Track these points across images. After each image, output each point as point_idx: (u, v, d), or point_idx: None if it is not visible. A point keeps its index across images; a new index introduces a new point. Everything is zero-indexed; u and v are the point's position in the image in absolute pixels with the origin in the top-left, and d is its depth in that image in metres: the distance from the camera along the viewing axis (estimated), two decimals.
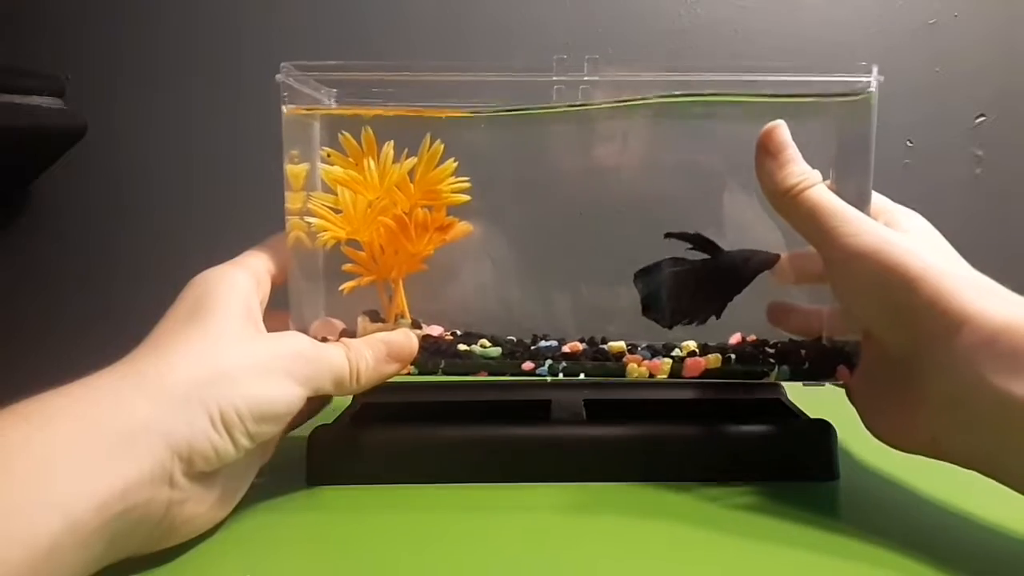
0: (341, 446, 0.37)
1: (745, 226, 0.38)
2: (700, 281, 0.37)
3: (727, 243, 0.38)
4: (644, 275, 0.38)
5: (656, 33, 0.72)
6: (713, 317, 0.38)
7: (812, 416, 0.39)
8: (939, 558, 0.29)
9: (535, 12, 0.73)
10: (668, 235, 0.37)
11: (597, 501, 0.35)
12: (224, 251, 0.74)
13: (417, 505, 0.35)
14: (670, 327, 0.38)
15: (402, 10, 0.73)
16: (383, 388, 0.36)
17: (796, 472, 0.36)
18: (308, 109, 0.38)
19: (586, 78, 0.36)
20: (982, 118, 0.72)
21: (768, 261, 0.37)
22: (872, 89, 0.35)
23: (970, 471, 0.30)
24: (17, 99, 0.64)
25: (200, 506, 0.30)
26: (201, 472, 0.29)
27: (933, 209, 0.74)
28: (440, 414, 0.39)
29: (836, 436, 0.37)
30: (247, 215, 0.74)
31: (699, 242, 0.37)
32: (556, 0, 0.73)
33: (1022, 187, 0.72)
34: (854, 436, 0.38)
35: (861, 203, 0.34)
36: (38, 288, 0.76)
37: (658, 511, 0.33)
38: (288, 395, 0.32)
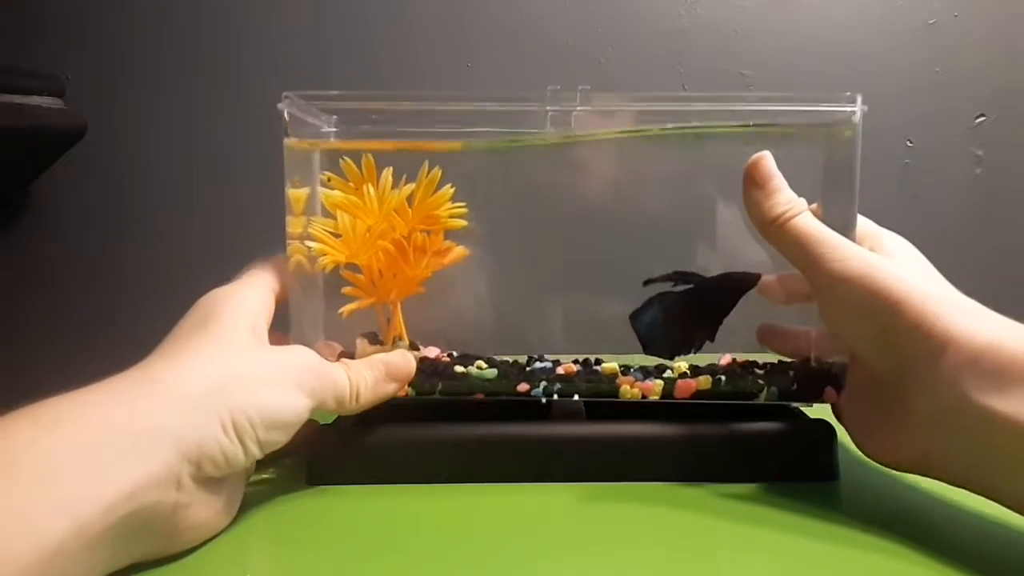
0: (341, 446, 0.37)
1: (739, 248, 0.39)
2: (689, 311, 0.38)
3: (722, 265, 0.39)
4: (637, 316, 0.39)
5: (656, 33, 0.73)
6: (708, 341, 0.39)
7: (812, 416, 0.39)
8: (939, 559, 0.29)
9: (536, 12, 0.73)
10: (647, 282, 0.38)
11: (597, 501, 0.35)
12: (224, 251, 0.74)
13: (418, 505, 0.35)
14: (671, 359, 0.39)
15: (403, 8, 0.73)
16: None
17: (797, 472, 0.37)
18: (310, 144, 0.39)
19: (578, 108, 0.37)
20: (982, 118, 0.72)
21: (749, 281, 0.38)
22: (856, 120, 0.36)
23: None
24: (17, 99, 0.64)
25: (206, 511, 0.30)
26: (208, 477, 0.29)
27: (933, 209, 0.74)
28: (441, 414, 0.39)
29: (836, 436, 0.37)
30: (247, 214, 0.74)
31: (679, 278, 0.38)
32: (557, 0, 0.73)
33: (1022, 187, 0.72)
34: None
35: (846, 228, 0.35)
36: (38, 288, 0.76)
37: (657, 511, 0.33)
38: (296, 405, 0.32)
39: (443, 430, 0.38)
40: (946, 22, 0.71)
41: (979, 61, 0.72)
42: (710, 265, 0.39)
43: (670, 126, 0.38)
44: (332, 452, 0.37)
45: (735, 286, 0.38)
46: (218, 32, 0.74)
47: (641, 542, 0.31)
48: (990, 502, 0.29)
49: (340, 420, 0.40)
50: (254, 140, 0.67)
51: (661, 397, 0.38)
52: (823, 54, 0.72)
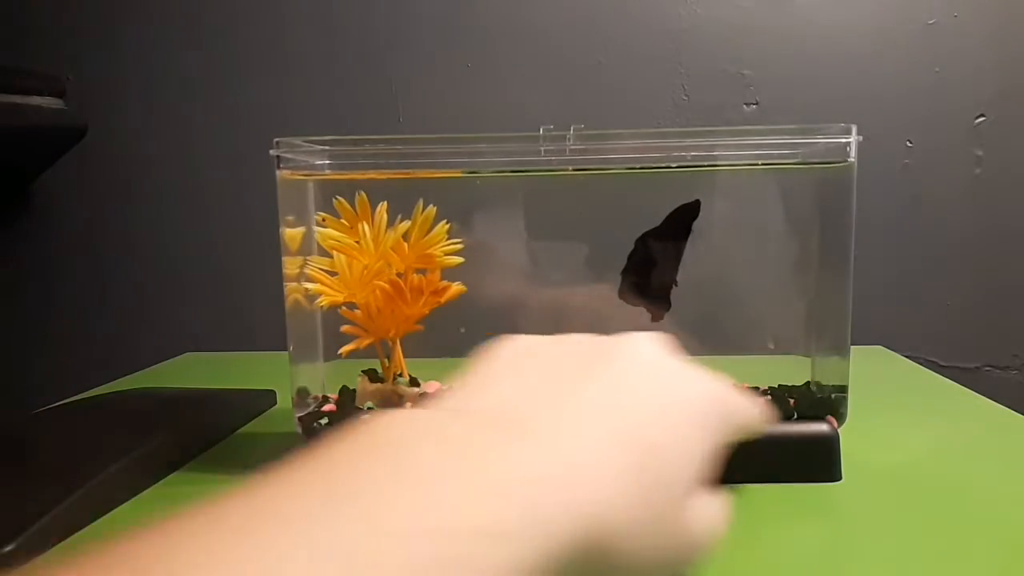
0: None
1: (739, 276, 0.39)
2: (656, 256, 0.39)
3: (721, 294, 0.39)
4: (626, 273, 0.39)
5: (656, 33, 0.72)
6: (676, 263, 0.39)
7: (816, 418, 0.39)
8: (942, 562, 0.29)
9: (535, 13, 0.73)
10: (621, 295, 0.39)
11: None
12: (223, 250, 0.74)
13: None
14: (668, 306, 0.39)
15: (405, 9, 0.73)
16: None
17: (799, 474, 0.36)
18: (304, 175, 0.39)
19: (572, 147, 0.37)
20: (982, 118, 0.72)
21: (691, 208, 0.38)
22: (852, 157, 0.36)
23: (969, 474, 0.30)
24: (17, 99, 0.64)
25: None
26: None
27: (933, 209, 0.74)
28: None
29: (839, 438, 0.37)
30: (246, 214, 0.74)
31: (639, 248, 0.38)
32: (557, 1, 0.73)
33: (1022, 187, 0.72)
34: (857, 438, 0.38)
35: (844, 255, 0.35)
36: (37, 288, 0.76)
37: None
38: None
39: None
40: (946, 22, 0.71)
41: (979, 61, 0.72)
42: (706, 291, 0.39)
43: (673, 166, 0.38)
44: None
45: (681, 220, 0.38)
46: (218, 32, 0.74)
47: None
48: (990, 503, 0.29)
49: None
50: (254, 140, 0.67)
51: None
52: (823, 54, 0.72)
